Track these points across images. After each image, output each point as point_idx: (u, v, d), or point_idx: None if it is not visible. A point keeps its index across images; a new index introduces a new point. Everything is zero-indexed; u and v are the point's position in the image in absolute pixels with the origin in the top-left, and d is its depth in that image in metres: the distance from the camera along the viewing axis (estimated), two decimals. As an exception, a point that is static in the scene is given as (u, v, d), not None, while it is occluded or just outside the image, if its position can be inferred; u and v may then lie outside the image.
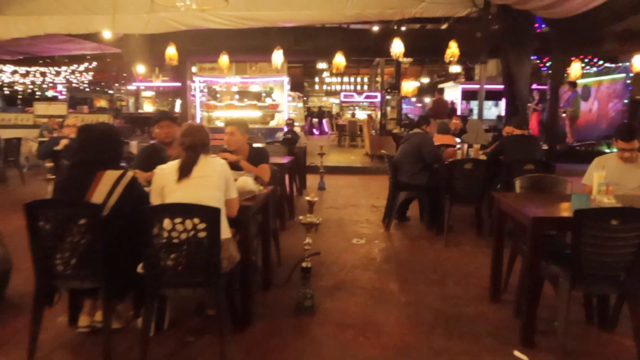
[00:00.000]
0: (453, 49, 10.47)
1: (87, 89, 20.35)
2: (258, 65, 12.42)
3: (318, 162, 9.45)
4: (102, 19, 9.73)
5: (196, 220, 2.81)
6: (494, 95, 21.49)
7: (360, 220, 6.88)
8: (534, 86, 18.74)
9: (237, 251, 3.23)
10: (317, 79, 27.16)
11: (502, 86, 20.54)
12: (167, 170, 3.12)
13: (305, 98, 26.10)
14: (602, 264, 2.99)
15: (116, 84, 16.44)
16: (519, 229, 3.98)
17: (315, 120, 24.85)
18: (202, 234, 2.84)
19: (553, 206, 3.64)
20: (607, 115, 14.30)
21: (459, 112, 21.06)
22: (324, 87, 27.60)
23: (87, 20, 9.87)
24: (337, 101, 26.90)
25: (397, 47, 10.37)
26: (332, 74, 25.07)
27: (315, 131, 24.65)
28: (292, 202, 7.16)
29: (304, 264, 3.82)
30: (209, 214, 2.84)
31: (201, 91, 13.11)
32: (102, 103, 21.10)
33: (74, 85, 16.31)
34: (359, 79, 26.86)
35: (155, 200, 3.12)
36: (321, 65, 18.06)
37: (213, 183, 3.12)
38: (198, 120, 12.79)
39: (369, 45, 11.41)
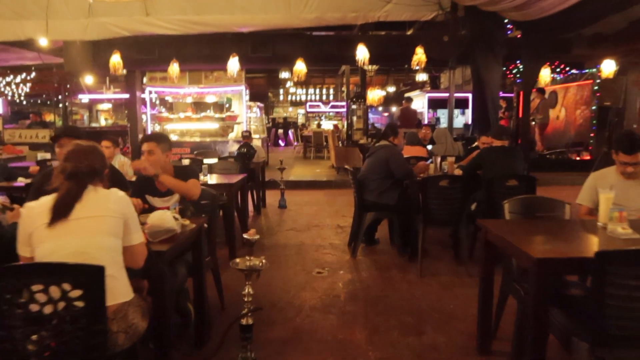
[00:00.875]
0: (420, 55, 9.83)
1: (35, 102, 19.02)
2: (214, 74, 11.52)
3: (279, 178, 8.59)
4: (34, 24, 8.69)
5: (66, 286, 1.91)
6: (460, 104, 21.08)
7: (324, 244, 6.04)
8: (500, 94, 18.49)
9: (144, 317, 2.33)
10: (282, 90, 26.33)
11: (468, 94, 20.32)
12: (38, 209, 2.20)
13: (268, 109, 25.25)
14: (633, 321, 2.23)
15: (59, 96, 15.15)
16: (509, 265, 3.22)
17: (280, 131, 23.99)
18: (78, 303, 1.95)
19: (559, 240, 2.86)
20: (574, 122, 13.92)
21: (425, 121, 20.66)
22: (290, 97, 26.79)
23: (17, 26, 8.81)
24: (303, 111, 26.13)
25: (361, 53, 9.67)
26: (295, 84, 24.31)
27: (281, 142, 23.79)
28: (245, 224, 6.26)
29: (242, 321, 2.93)
30: (87, 276, 1.94)
31: (153, 103, 12.09)
32: (51, 117, 19.77)
33: (9, 98, 14.98)
34: (324, 89, 26.17)
35: (23, 252, 2.20)
36: (284, 74, 17.24)
37: (104, 226, 2.21)
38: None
39: (331, 52, 10.66)
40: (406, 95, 14.24)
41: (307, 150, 17.05)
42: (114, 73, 10.06)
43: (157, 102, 12.30)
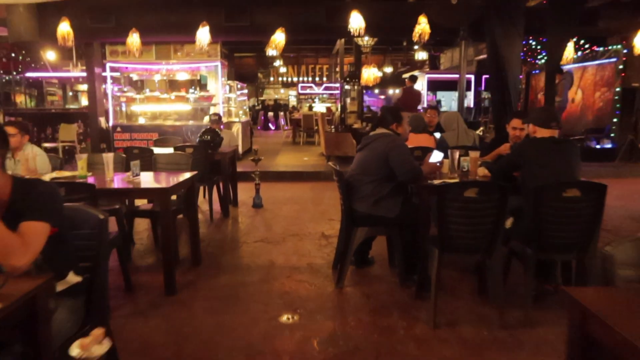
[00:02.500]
0: (423, 26, 8.23)
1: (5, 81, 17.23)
2: (184, 48, 9.86)
3: (257, 170, 6.99)
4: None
5: None
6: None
7: (301, 266, 4.49)
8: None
9: None
10: (272, 70, 24.58)
11: (470, 75, 18.67)
12: None
13: (258, 90, 23.57)
14: None
15: (14, 73, 13.41)
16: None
17: (270, 114, 22.33)
18: None
19: None
20: (593, 106, 12.33)
21: (425, 104, 19.03)
22: (283, 78, 25.04)
23: None
24: (295, 93, 24.46)
25: (355, 22, 8.04)
26: (286, 64, 22.52)
27: (271, 126, 22.15)
28: (196, 236, 4.70)
29: None
30: None
31: (118, 81, 10.41)
32: (21, 98, 18.01)
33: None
34: (317, 70, 24.44)
35: None
36: (271, 52, 15.48)
37: None
38: (111, 117, 10.13)
39: (319, 22, 9.01)
40: (409, 74, 12.59)
41: (297, 135, 15.45)
42: (62, 44, 8.37)
43: (123, 81, 10.61)
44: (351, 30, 8.02)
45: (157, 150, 6.09)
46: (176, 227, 4.54)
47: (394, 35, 10.25)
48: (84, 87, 16.60)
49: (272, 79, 24.91)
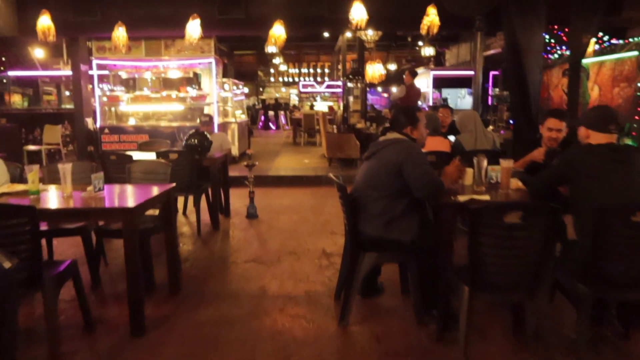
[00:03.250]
0: (432, 17, 7.53)
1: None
2: (176, 44, 9.15)
3: (250, 176, 6.27)
4: None
5: None
6: (467, 83, 18.73)
7: (297, 294, 3.78)
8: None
9: None
10: (273, 69, 23.86)
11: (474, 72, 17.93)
12: None
13: (258, 88, 22.87)
14: None
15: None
16: None
17: (271, 113, 21.62)
18: None
19: None
20: (611, 102, 11.56)
21: (430, 102, 18.29)
22: (284, 78, 24.31)
23: None
24: (297, 92, 23.73)
25: (357, 14, 7.34)
26: (287, 61, 21.77)
27: (272, 126, 21.44)
28: (176, 258, 3.99)
29: None
30: None
31: (105, 80, 9.72)
32: (16, 98, 17.34)
33: None
34: (319, 68, 23.72)
35: None
36: (271, 49, 14.77)
37: None
38: (99, 118, 9.43)
39: (320, 14, 8.29)
40: (414, 69, 11.78)
41: (298, 135, 14.75)
42: (42, 39, 7.69)
43: (112, 79, 9.92)
44: (352, 22, 7.32)
45: (140, 155, 5.42)
46: (150, 247, 3.84)
47: (400, 29, 9.53)
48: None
49: (272, 77, 24.20)
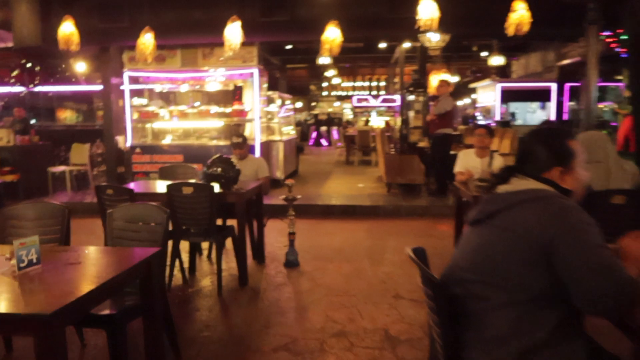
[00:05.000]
0: (520, 13, 6.01)
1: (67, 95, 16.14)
2: (214, 52, 8.00)
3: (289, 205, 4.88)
4: None
5: None
6: (539, 96, 16.73)
7: None
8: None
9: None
10: (325, 83, 22.62)
11: (550, 84, 15.92)
12: None
13: (310, 103, 21.68)
14: None
15: (32, 85, 12.01)
16: None
17: (323, 129, 20.35)
18: None
19: None
20: None
21: (497, 117, 16.40)
22: (337, 92, 23.02)
23: None
24: (350, 106, 22.39)
25: (426, 12, 5.91)
26: (340, 75, 20.39)
27: (324, 142, 20.14)
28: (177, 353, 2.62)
29: None
30: None
31: (137, 94, 8.66)
32: (67, 114, 16.91)
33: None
34: (374, 81, 22.26)
35: None
36: (323, 60, 13.53)
37: None
38: (129, 136, 8.39)
39: (380, 13, 6.89)
40: (441, 78, 9.70)
41: (351, 154, 13.32)
42: (65, 49, 6.71)
43: (146, 94, 8.88)
44: (420, 22, 5.87)
45: (160, 185, 4.16)
46: (126, 343, 2.50)
47: (476, 30, 7.92)
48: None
49: (325, 91, 22.97)
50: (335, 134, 19.49)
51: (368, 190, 8.36)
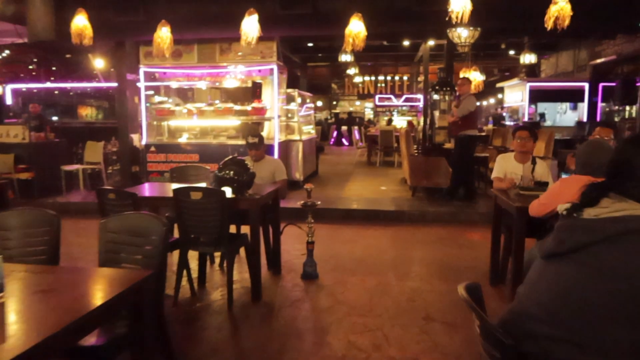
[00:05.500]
0: (561, 5, 5.50)
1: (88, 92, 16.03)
2: (232, 47, 7.62)
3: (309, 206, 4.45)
4: None
5: None
6: (569, 96, 15.98)
7: None
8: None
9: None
10: (347, 81, 22.14)
11: (583, 83, 15.17)
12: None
13: (331, 102, 21.24)
14: None
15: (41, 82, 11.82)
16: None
17: (344, 128, 19.88)
18: None
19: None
20: None
21: (525, 118, 15.72)
22: (358, 90, 22.52)
23: None
24: (372, 105, 21.89)
25: (458, 3, 5.42)
26: (362, 73, 19.84)
27: (344, 142, 19.67)
28: None
29: None
30: None
31: (153, 91, 8.32)
32: (87, 111, 16.79)
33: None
34: (397, 79, 21.69)
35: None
36: (345, 57, 13.07)
37: None
38: (145, 134, 8.08)
39: (406, 5, 6.42)
40: (463, 75, 9.07)
41: (373, 154, 12.85)
42: (77, 42, 6.41)
43: (163, 91, 8.56)
44: (452, 14, 5.39)
45: (174, 187, 3.78)
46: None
47: (512, 24, 7.32)
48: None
49: (346, 89, 22.49)
50: (356, 133, 19.02)
51: (391, 194, 7.90)
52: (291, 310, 3.62)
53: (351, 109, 21.83)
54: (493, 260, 4.18)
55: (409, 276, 4.40)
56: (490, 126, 15.97)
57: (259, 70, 7.77)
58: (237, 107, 7.77)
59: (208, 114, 7.91)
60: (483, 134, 13.82)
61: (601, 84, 14.57)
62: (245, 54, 7.61)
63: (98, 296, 1.74)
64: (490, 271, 4.21)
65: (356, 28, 5.85)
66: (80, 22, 6.39)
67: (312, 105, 11.21)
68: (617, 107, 12.87)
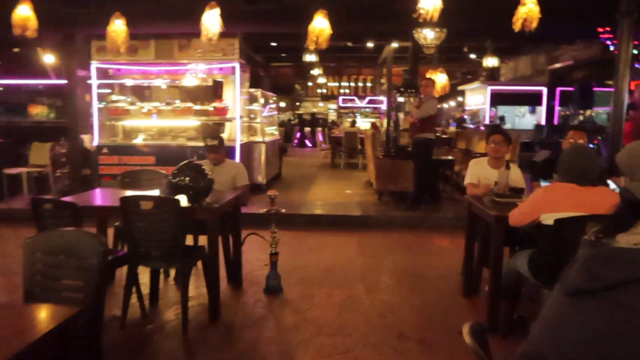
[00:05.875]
0: (529, 7, 5.41)
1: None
2: (192, 44, 7.19)
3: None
4: None
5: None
6: (529, 100, 16.23)
7: None
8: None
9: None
10: (310, 83, 21.85)
11: (540, 88, 15.41)
12: None
13: (294, 103, 20.91)
14: None
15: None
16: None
17: (307, 129, 19.58)
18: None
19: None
20: None
21: (486, 121, 15.86)
22: (322, 91, 22.27)
23: None
24: (335, 107, 21.67)
25: (429, 2, 5.23)
26: (326, 74, 19.63)
27: (308, 143, 19.37)
28: None
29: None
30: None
31: (104, 88, 7.75)
32: (39, 109, 15.80)
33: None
34: (360, 82, 21.58)
35: None
36: (308, 57, 12.77)
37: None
38: (96, 136, 7.52)
39: (374, 4, 6.18)
40: (429, 75, 8.95)
41: (337, 156, 12.59)
42: (19, 34, 5.85)
43: (117, 89, 8.01)
44: (422, 12, 5.18)
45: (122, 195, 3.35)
46: None
47: (480, 24, 7.16)
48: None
49: (310, 91, 22.20)
50: (319, 135, 18.76)
51: (357, 198, 7.65)
52: (253, 331, 3.27)
53: (315, 110, 21.56)
54: (466, 270, 3.97)
55: (379, 288, 4.13)
56: (452, 128, 16.03)
57: (220, 69, 7.35)
58: (197, 107, 7.34)
59: (166, 114, 7.44)
60: (445, 136, 13.84)
61: (559, 89, 14.86)
62: (206, 51, 7.19)
63: (5, 347, 1.36)
64: (463, 281, 4.00)
65: (320, 25, 5.57)
66: (24, 12, 5.84)
67: (275, 105, 10.85)
68: (572, 111, 13.08)
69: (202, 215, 3.36)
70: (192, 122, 7.55)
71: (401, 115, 10.51)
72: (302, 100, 22.18)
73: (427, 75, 8.91)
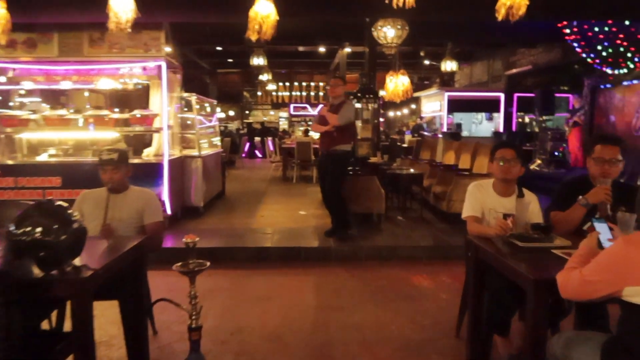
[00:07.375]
0: None
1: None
2: (106, 37, 5.75)
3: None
4: None
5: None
6: (486, 106, 15.62)
7: None
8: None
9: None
10: (259, 91, 20.51)
11: (498, 94, 14.78)
12: None
13: (243, 111, 19.50)
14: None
15: None
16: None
17: (257, 139, 18.19)
18: None
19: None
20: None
21: (444, 129, 15.07)
22: (272, 99, 20.96)
23: None
24: (287, 115, 20.45)
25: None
26: (275, 79, 18.34)
27: (258, 154, 17.99)
28: None
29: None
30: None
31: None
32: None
33: None
34: (312, 89, 20.45)
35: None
36: (256, 60, 11.46)
37: None
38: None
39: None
40: (389, 78, 7.69)
41: (289, 168, 11.32)
42: None
43: (23, 90, 6.45)
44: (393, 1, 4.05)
45: None
46: None
47: (457, 15, 6.00)
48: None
49: (259, 98, 20.85)
50: (270, 145, 17.42)
51: (312, 221, 6.40)
52: None
53: (265, 118, 20.22)
54: (472, 335, 2.80)
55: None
56: (409, 136, 15.14)
57: (144, 68, 5.93)
58: (116, 116, 5.88)
59: (72, 124, 5.93)
60: (405, 145, 12.91)
61: (516, 95, 14.30)
62: (124, 46, 5.76)
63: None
64: (467, 351, 2.84)
65: (264, 10, 4.31)
66: None
67: (220, 113, 9.46)
68: (537, 117, 12.41)
69: (62, 290, 2.01)
70: (107, 134, 6.08)
71: (359, 124, 9.40)
72: (251, 108, 20.80)
73: (387, 78, 7.81)
